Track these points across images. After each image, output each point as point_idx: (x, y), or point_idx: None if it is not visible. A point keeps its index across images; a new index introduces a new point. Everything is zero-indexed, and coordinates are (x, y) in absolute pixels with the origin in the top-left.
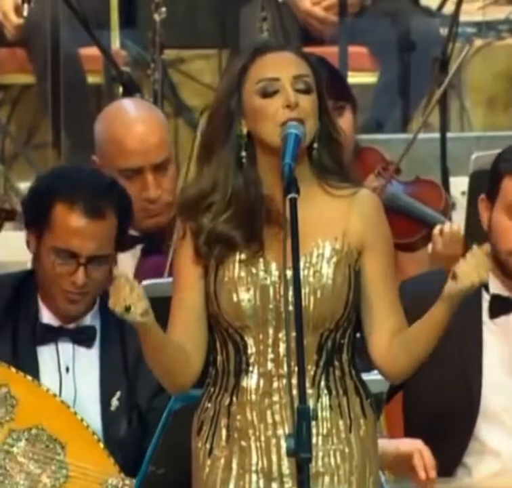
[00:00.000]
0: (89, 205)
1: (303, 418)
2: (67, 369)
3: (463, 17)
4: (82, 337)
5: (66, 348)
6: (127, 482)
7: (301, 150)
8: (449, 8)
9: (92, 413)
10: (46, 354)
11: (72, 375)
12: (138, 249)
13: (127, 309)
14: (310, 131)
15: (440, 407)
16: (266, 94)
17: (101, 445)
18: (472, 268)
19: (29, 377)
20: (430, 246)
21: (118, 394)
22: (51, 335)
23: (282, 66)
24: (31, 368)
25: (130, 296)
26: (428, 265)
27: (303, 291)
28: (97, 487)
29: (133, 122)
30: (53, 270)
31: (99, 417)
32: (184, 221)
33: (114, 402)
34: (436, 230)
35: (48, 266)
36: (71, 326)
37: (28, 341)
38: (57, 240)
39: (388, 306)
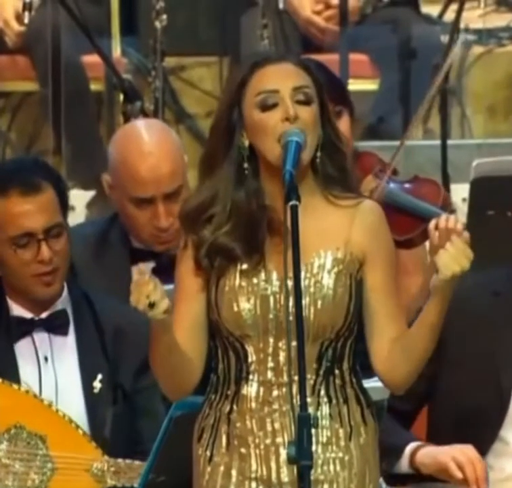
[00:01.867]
0: (21, 185)
1: (303, 425)
2: (45, 359)
3: (464, 25)
4: (56, 324)
5: (42, 338)
6: (112, 463)
7: (304, 161)
8: (449, 16)
9: (75, 399)
10: (23, 349)
11: (52, 364)
12: (149, 266)
13: (151, 306)
14: (312, 143)
15: (468, 406)
16: (265, 107)
17: (81, 431)
18: (452, 258)
19: None
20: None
21: (99, 376)
22: (26, 327)
23: (281, 78)
24: (9, 365)
25: (154, 293)
26: (428, 261)
27: (303, 302)
28: (84, 474)
29: (146, 151)
30: (18, 261)
31: (83, 401)
32: (186, 233)
33: (97, 384)
34: (431, 224)
35: (12, 260)
36: (43, 315)
37: (3, 339)
38: (9, 230)
39: (389, 315)
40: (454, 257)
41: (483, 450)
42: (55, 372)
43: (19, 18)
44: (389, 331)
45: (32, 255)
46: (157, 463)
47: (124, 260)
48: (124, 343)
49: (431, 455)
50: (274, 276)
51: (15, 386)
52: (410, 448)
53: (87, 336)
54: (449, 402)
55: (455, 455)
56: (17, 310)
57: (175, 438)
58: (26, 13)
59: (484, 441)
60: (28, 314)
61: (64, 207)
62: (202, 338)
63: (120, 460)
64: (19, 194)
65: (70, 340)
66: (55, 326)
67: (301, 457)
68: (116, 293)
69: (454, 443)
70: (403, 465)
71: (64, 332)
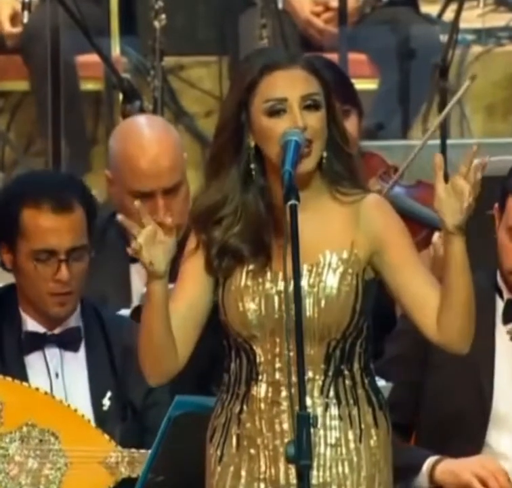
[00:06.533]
0: (54, 201)
1: (303, 425)
2: (56, 375)
3: (463, 25)
4: (68, 341)
5: (53, 353)
6: (125, 454)
7: (309, 168)
8: (449, 15)
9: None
10: (34, 363)
11: (62, 380)
12: None
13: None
14: (319, 150)
15: (452, 412)
16: (273, 113)
17: (93, 424)
18: (452, 208)
19: (9, 378)
20: (431, 250)
21: (108, 393)
22: (38, 342)
23: (290, 86)
24: (19, 378)
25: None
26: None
27: (307, 301)
28: (98, 467)
29: (147, 144)
30: (36, 275)
31: (93, 418)
32: (197, 233)
33: (106, 401)
34: (435, 237)
35: (30, 273)
36: (56, 331)
37: (15, 351)
38: (34, 243)
39: (425, 285)
40: (452, 208)
41: (471, 454)
42: (65, 388)
43: (14, 19)
44: (430, 301)
45: (51, 273)
46: (156, 462)
47: (122, 260)
48: (132, 360)
49: (451, 471)
50: (280, 276)
51: (25, 384)
52: (427, 464)
53: (96, 352)
54: (433, 407)
55: (475, 471)
56: (31, 324)
57: (174, 438)
58: (25, 13)
59: (471, 445)
60: (41, 329)
61: (91, 229)
62: (193, 323)
63: (134, 450)
64: (50, 209)
65: (81, 356)
66: (67, 342)
67: (300, 456)
68: (114, 293)
69: (440, 447)
70: (422, 482)
71: (75, 348)
